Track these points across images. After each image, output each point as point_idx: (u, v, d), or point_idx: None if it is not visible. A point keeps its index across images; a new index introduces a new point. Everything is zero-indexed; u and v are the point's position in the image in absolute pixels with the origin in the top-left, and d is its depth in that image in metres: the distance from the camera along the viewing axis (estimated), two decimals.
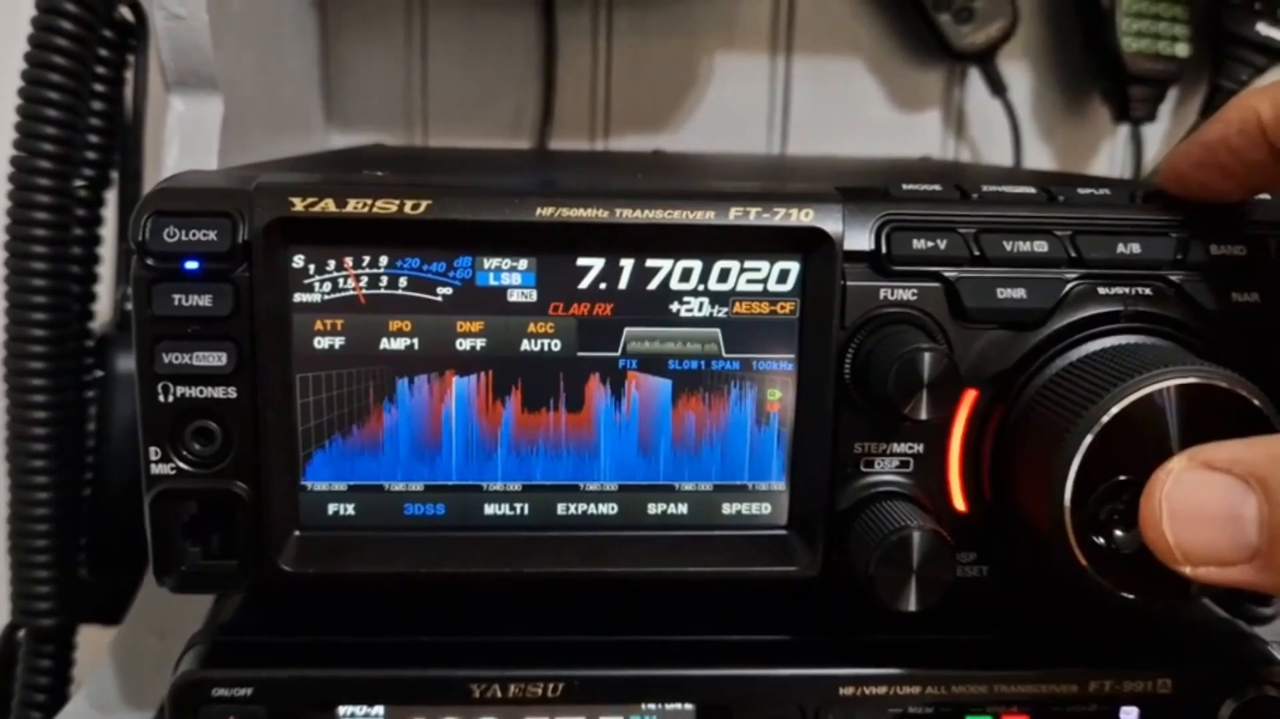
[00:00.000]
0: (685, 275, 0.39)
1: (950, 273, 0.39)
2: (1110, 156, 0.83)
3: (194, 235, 0.37)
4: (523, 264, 0.39)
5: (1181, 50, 0.78)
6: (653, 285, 0.39)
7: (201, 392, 0.38)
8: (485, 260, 0.39)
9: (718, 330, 0.40)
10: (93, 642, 0.60)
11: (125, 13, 0.58)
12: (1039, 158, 0.83)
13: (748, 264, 0.39)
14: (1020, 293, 0.39)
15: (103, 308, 0.59)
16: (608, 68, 0.80)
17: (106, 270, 0.59)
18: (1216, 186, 0.40)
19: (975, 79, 0.80)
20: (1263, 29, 0.77)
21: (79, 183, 0.56)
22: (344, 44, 0.78)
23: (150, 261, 0.37)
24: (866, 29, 0.81)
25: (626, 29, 0.79)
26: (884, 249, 0.39)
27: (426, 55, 0.79)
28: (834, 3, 0.80)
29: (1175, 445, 0.35)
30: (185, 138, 0.56)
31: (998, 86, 0.79)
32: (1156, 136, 0.82)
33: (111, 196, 0.60)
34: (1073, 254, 0.40)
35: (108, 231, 0.59)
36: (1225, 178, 0.39)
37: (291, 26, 0.71)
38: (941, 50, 0.78)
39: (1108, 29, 0.77)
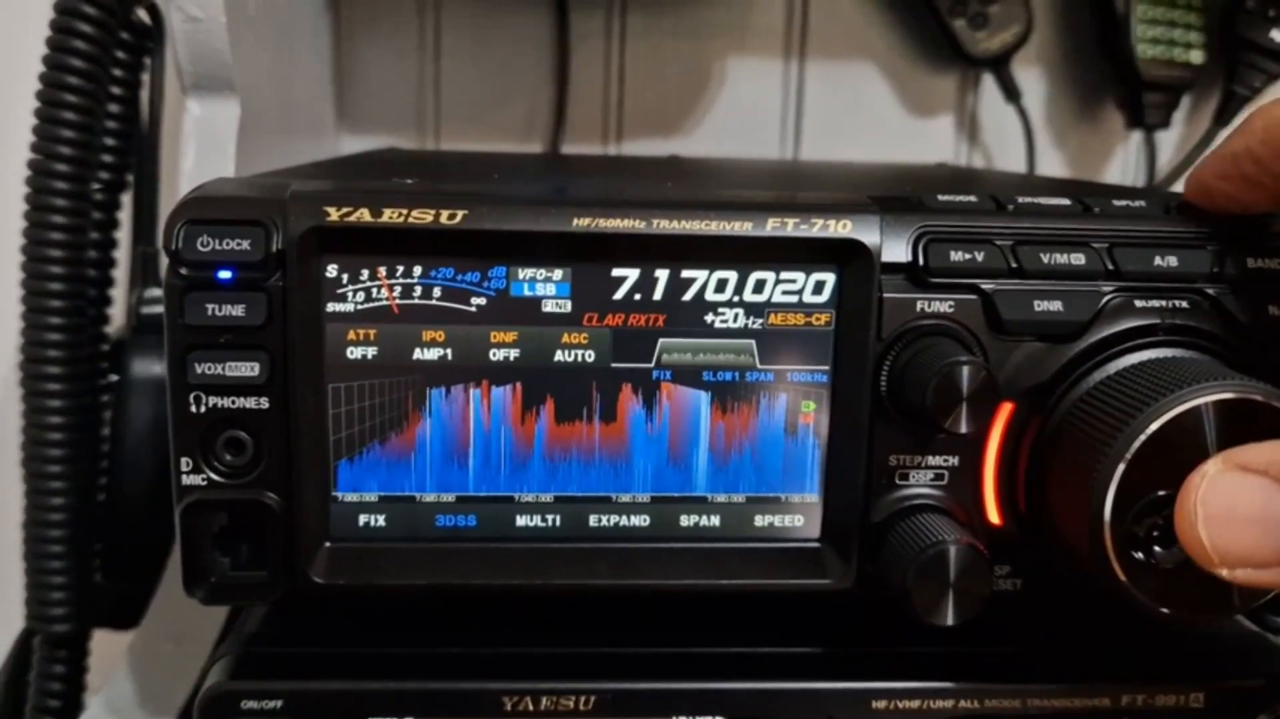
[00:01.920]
0: (720, 286, 0.39)
1: (987, 285, 0.39)
2: (1124, 163, 0.83)
3: (227, 244, 0.36)
4: (557, 274, 0.39)
5: (1195, 57, 0.78)
6: (688, 296, 0.39)
7: (233, 402, 0.37)
8: (520, 270, 0.39)
9: (752, 342, 0.40)
10: (107, 647, 0.59)
11: (142, 15, 0.57)
12: (1052, 164, 0.83)
13: (783, 275, 0.39)
14: (1057, 305, 0.39)
15: (117, 312, 0.59)
16: (621, 71, 0.80)
17: (121, 274, 0.59)
18: (1242, 198, 0.40)
19: (989, 84, 0.80)
20: (1277, 36, 0.77)
21: (95, 186, 0.55)
22: (357, 46, 0.78)
23: (183, 270, 0.37)
24: (880, 33, 0.81)
25: (640, 32, 0.79)
26: (921, 261, 0.39)
27: (439, 58, 0.79)
28: (848, 7, 0.80)
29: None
30: (202, 141, 0.55)
31: (1012, 92, 0.79)
32: (1170, 143, 0.82)
33: (126, 200, 0.59)
34: (1110, 267, 0.39)
35: (123, 235, 0.59)
36: (1251, 189, 0.39)
37: (305, 29, 0.71)
38: (956, 55, 0.78)
39: (1122, 35, 0.77)
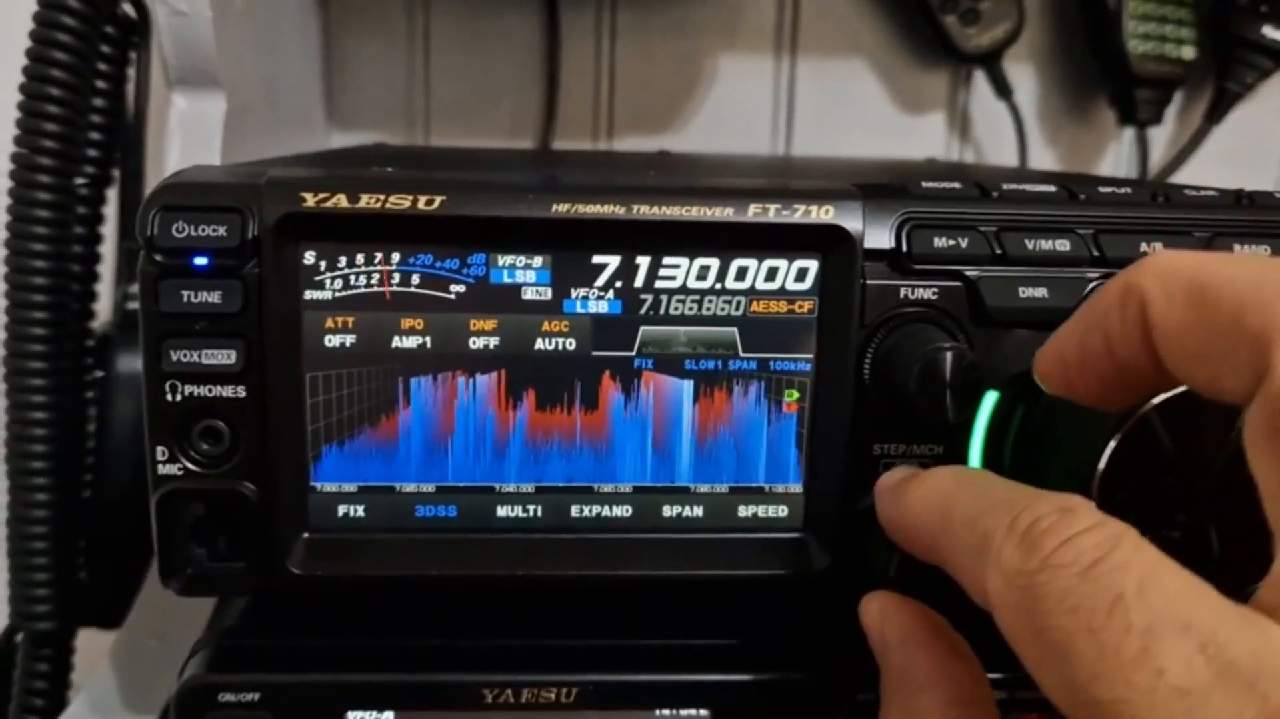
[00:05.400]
0: (702, 274, 0.39)
1: (971, 272, 0.39)
2: (1115, 159, 0.83)
3: (203, 231, 0.36)
4: (537, 261, 0.38)
5: (1187, 53, 0.78)
6: (670, 284, 0.39)
7: (209, 390, 0.37)
8: (499, 257, 0.38)
9: (735, 330, 0.39)
10: (91, 645, 0.59)
11: (128, 9, 0.57)
12: (1044, 160, 0.82)
13: (766, 262, 0.39)
14: (1042, 292, 0.39)
15: (103, 307, 0.58)
16: (611, 68, 0.79)
17: (106, 269, 0.59)
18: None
19: (980, 81, 0.80)
20: (1269, 32, 0.77)
21: (80, 180, 0.55)
22: (345, 42, 0.78)
23: (158, 258, 0.36)
24: (871, 30, 0.80)
25: (630, 28, 0.79)
26: (904, 247, 0.38)
27: (428, 54, 0.78)
28: (839, 4, 0.80)
29: (1201, 443, 0.35)
30: (187, 135, 0.55)
31: (1003, 89, 0.79)
32: (1162, 139, 0.82)
33: (112, 195, 0.59)
34: (1095, 253, 0.39)
35: (108, 230, 0.58)
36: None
37: (293, 24, 0.71)
38: (947, 52, 0.78)
39: (1114, 31, 0.77)
